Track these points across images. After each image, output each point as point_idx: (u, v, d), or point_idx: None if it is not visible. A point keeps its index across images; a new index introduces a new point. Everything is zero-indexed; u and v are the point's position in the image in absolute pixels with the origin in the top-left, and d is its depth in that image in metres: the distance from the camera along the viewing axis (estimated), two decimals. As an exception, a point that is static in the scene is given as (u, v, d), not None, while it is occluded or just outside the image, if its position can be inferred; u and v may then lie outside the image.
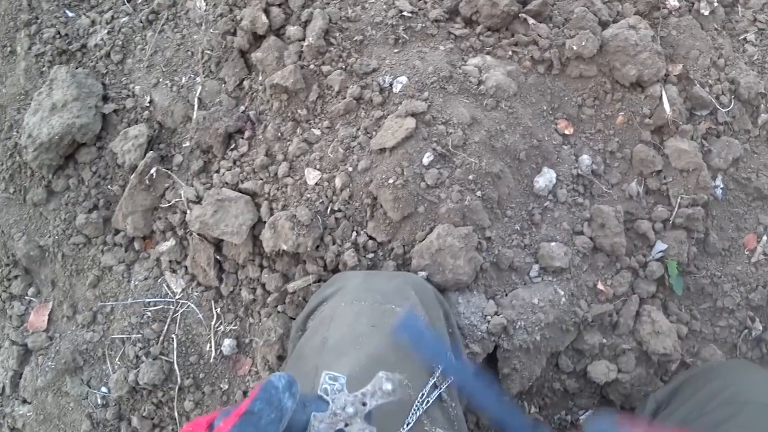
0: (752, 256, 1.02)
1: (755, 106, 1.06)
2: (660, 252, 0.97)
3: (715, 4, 1.09)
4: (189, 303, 0.99)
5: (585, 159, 0.97)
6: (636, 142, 0.99)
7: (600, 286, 0.94)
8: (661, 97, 0.99)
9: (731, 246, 1.02)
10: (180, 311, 0.99)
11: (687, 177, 0.99)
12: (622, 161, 0.99)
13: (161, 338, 0.99)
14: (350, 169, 0.89)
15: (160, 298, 1.00)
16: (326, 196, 0.90)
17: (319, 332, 0.73)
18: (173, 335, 0.99)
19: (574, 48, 0.96)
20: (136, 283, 1.01)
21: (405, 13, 0.97)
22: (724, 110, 1.03)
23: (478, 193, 0.88)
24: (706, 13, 1.08)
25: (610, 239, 0.94)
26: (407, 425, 0.60)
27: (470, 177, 0.88)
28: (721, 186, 1.04)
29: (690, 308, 1.01)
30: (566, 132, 0.99)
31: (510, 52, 0.98)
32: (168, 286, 1.00)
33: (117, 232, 1.04)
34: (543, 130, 0.97)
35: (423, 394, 0.66)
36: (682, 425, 0.74)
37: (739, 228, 1.03)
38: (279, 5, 0.98)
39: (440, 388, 0.69)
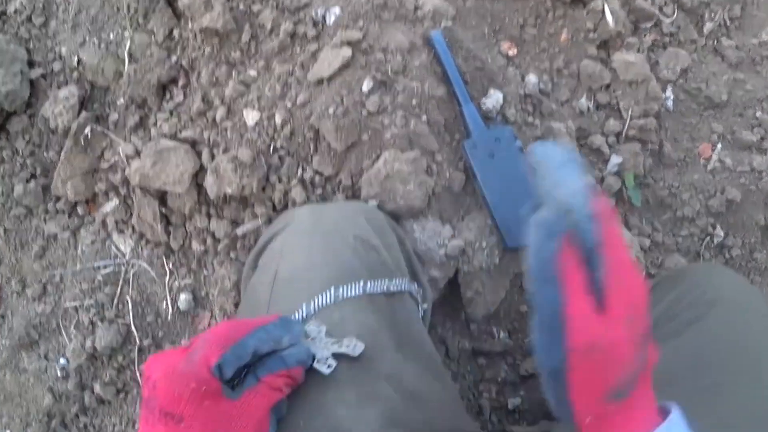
0: (708, 164, 1.01)
1: (700, 15, 1.05)
2: (615, 165, 0.96)
3: None
4: (140, 262, 0.96)
5: (531, 78, 0.95)
6: (582, 57, 0.98)
7: (557, 204, 0.93)
8: (603, 11, 0.97)
9: (686, 156, 1.02)
10: (132, 272, 0.96)
11: (636, 89, 0.98)
12: (569, 78, 0.98)
13: (115, 301, 0.96)
14: (289, 104, 0.86)
15: (110, 260, 0.97)
16: (267, 135, 0.87)
17: (270, 268, 0.71)
18: (127, 297, 0.96)
19: (511, -35, 0.94)
20: (84, 248, 0.98)
21: (334, -57, 0.94)
22: (668, 20, 1.02)
23: (424, 118, 0.86)
24: (644, -77, 1.06)
25: (563, 155, 0.92)
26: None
27: (414, 102, 0.86)
28: (672, 97, 1.03)
29: (651, 220, 1.00)
30: (510, 53, 0.96)
31: (446, -25, 0.96)
32: (117, 247, 0.97)
33: (58, 199, 1.00)
34: (486, 52, 0.95)
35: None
36: (652, 331, 0.72)
37: (693, 138, 1.03)
38: (202, -54, 0.94)
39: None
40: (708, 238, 0.99)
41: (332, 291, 0.64)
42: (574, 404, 0.45)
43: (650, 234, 0.98)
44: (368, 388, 0.60)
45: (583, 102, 0.97)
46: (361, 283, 0.66)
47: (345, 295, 0.65)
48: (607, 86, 0.98)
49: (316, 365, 0.57)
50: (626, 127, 0.96)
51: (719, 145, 1.02)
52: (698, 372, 0.64)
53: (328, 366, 0.57)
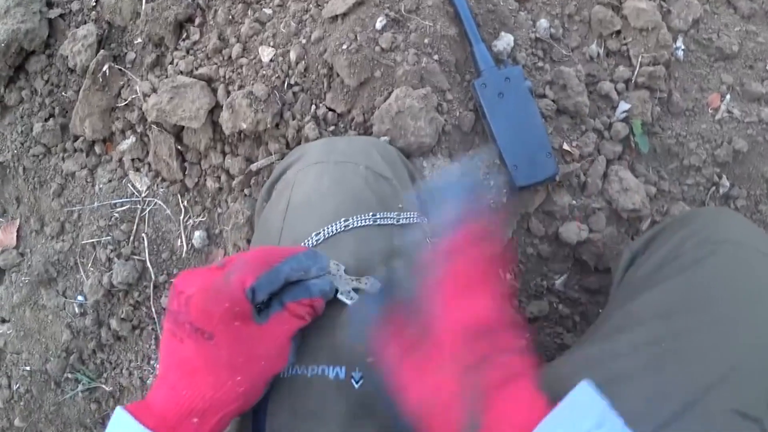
0: (716, 115, 1.02)
1: (714, -35, 1.05)
2: (624, 112, 0.97)
3: None
4: (156, 200, 0.98)
5: (543, 23, 0.96)
6: (593, 4, 0.98)
7: (566, 147, 0.94)
8: (616, -44, 0.98)
9: (695, 106, 1.02)
10: (147, 209, 0.99)
11: (647, 36, 0.98)
12: (580, 24, 0.98)
13: (131, 238, 0.98)
14: (304, 41, 0.88)
15: (127, 198, 0.99)
16: (282, 71, 0.88)
17: (283, 197, 0.73)
18: (143, 234, 0.98)
19: None
20: (101, 186, 1.00)
21: None
22: (681, -32, 1.02)
23: (435, 57, 0.87)
24: None
25: (573, 99, 0.93)
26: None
27: (426, 41, 0.87)
28: (683, 47, 1.03)
29: (657, 169, 1.01)
30: (523, -3, 0.97)
31: None
32: (133, 185, 0.99)
33: (76, 138, 1.02)
34: (498, -5, 0.95)
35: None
36: (658, 269, 0.72)
37: (702, 89, 1.03)
38: None
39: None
40: (714, 187, 1.00)
41: (342, 222, 0.66)
42: None
43: (656, 182, 0.99)
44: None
45: (593, 48, 0.97)
46: (370, 214, 0.68)
47: (355, 224, 0.67)
48: (618, 33, 0.98)
49: (339, 296, 0.60)
50: (636, 74, 0.97)
51: (728, 96, 1.02)
52: (702, 306, 0.63)
53: (351, 298, 0.60)
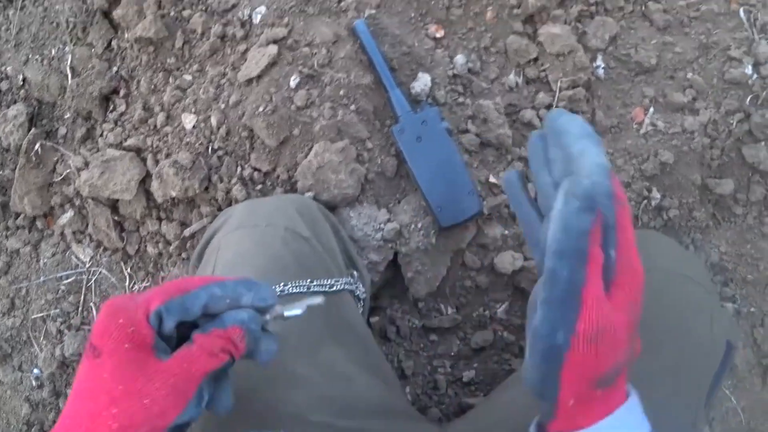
0: (641, 129, 1.04)
1: (625, -18, 1.07)
2: (548, 138, 0.99)
3: None
4: (100, 269, 1.00)
5: (459, 59, 0.98)
6: (508, 34, 1.00)
7: (492, 179, 0.96)
8: (526, -14, 1.00)
9: (620, 122, 1.04)
10: (93, 279, 1.00)
11: (564, 60, 1.00)
12: (497, 55, 1.00)
13: (80, 309, 1.00)
14: (223, 106, 0.90)
15: (72, 270, 1.01)
16: (205, 137, 0.90)
17: (209, 263, 0.75)
18: (91, 304, 1.00)
19: (430, -50, 0.96)
20: (45, 260, 1.02)
21: (256, -56, 0.96)
22: (592, -10, 1.04)
23: (352, 107, 0.89)
24: None
25: (495, 132, 0.95)
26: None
27: (341, 92, 0.89)
28: (603, 65, 1.05)
29: (588, 188, 1.03)
30: (438, 35, 0.99)
31: (368, -34, 0.98)
32: (77, 256, 1.01)
33: (17, 215, 1.04)
34: (413, 36, 0.97)
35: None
36: None
37: (626, 104, 1.05)
38: (130, -42, 0.97)
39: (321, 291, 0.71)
40: (645, 201, 1.02)
41: (279, 287, 0.68)
42: (561, 385, 0.42)
43: (589, 201, 1.01)
44: (300, 370, 0.64)
45: (512, 78, 0.99)
46: (308, 280, 0.69)
47: (290, 291, 0.68)
48: (536, 60, 1.00)
49: (287, 313, 0.51)
50: (556, 99, 0.99)
51: (651, 109, 1.04)
52: None
53: (299, 308, 0.52)
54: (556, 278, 0.41)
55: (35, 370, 1.03)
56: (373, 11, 0.94)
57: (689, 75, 1.05)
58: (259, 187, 0.89)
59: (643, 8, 1.08)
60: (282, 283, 0.68)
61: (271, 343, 0.50)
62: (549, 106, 0.99)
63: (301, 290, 0.69)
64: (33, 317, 1.02)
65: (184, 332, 0.47)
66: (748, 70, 1.06)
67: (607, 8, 1.06)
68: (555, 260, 0.41)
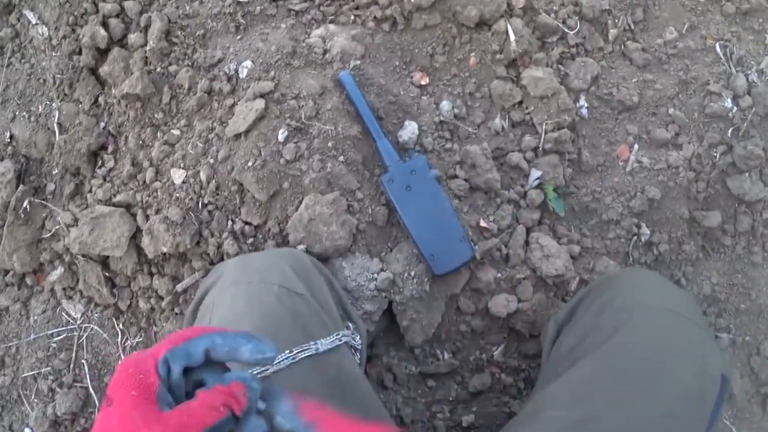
0: (626, 166, 1.05)
1: (603, 23, 1.09)
2: (536, 179, 1.00)
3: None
4: (91, 325, 0.99)
5: (445, 105, 0.99)
6: (492, 79, 1.02)
7: (483, 223, 0.96)
8: (507, 32, 1.01)
9: (606, 160, 1.06)
10: (85, 335, 0.99)
11: (548, 102, 1.02)
12: (482, 100, 1.02)
13: (72, 366, 0.99)
14: (212, 160, 0.90)
15: (62, 326, 1.00)
16: (194, 192, 0.90)
17: (203, 320, 0.74)
18: (83, 360, 0.99)
19: (413, 0, 0.98)
20: (35, 318, 1.01)
21: (241, 0, 0.98)
22: (572, 32, 1.06)
23: (341, 158, 0.90)
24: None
25: (483, 176, 0.96)
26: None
27: (329, 144, 0.89)
28: (586, 105, 1.07)
29: (579, 227, 1.04)
30: (423, 83, 1.00)
31: (352, 17, 1.00)
32: (67, 313, 1.00)
33: (6, 272, 1.03)
34: (398, 85, 0.98)
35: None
36: (580, 342, 0.76)
37: (611, 142, 1.07)
38: (116, 16, 0.98)
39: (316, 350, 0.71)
40: (635, 237, 1.03)
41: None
42: None
43: (579, 240, 1.02)
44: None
45: (498, 122, 1.01)
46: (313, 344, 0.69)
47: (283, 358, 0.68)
48: (520, 103, 1.02)
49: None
50: (542, 141, 1.00)
51: (636, 146, 1.06)
52: (614, 383, 0.67)
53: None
54: None
55: (26, 430, 1.01)
56: (358, 62, 0.96)
57: (671, 111, 1.07)
58: (251, 240, 0.89)
59: (623, 48, 1.11)
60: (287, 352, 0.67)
61: (261, 424, 0.51)
62: (535, 149, 1.01)
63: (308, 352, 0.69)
64: (24, 375, 1.00)
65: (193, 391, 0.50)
66: (728, 103, 1.08)
67: (588, 49, 1.08)
68: None
